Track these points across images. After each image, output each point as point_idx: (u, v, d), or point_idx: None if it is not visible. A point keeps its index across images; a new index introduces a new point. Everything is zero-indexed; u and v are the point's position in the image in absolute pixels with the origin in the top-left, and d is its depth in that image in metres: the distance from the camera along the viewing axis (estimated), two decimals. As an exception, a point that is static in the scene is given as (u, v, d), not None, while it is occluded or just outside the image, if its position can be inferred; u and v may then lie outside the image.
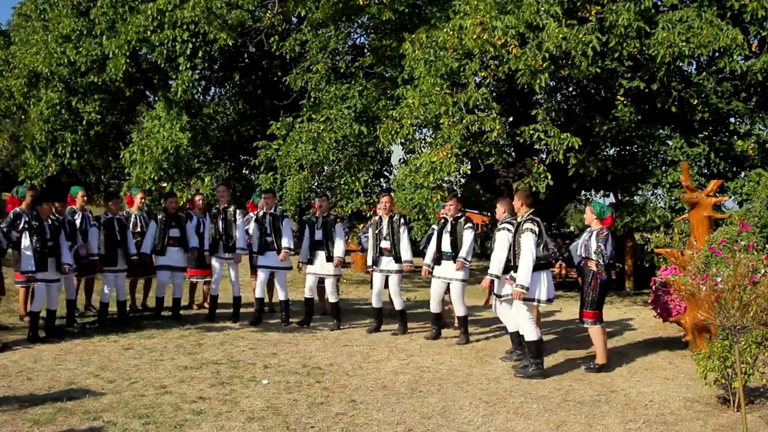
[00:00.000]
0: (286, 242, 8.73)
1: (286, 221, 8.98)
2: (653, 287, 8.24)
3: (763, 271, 5.03)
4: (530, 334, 6.59)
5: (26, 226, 7.35)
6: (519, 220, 6.79)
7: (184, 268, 9.16)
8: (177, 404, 5.31)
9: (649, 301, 8.68)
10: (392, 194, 9.95)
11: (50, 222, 7.59)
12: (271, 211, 8.90)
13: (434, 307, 8.23)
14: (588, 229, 7.15)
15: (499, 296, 7.16)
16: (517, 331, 6.99)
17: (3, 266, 8.03)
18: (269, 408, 5.30)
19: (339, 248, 8.66)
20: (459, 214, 8.09)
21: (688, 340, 7.75)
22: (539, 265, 6.55)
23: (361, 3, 11.95)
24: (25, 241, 7.26)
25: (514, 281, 6.58)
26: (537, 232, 6.53)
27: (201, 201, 9.40)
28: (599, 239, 6.84)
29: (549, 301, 6.69)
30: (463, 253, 7.88)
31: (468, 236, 7.94)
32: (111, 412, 5.06)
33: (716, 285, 5.06)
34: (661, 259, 8.69)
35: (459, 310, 8.07)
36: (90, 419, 4.92)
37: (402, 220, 8.51)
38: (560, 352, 7.71)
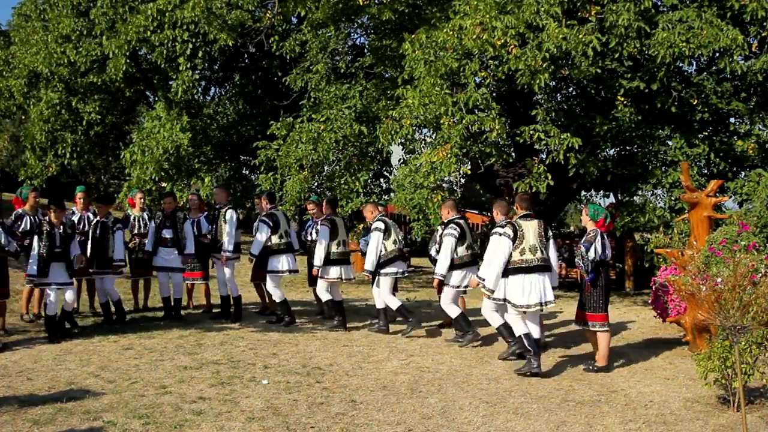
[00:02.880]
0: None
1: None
2: (653, 287, 8.24)
3: (763, 271, 5.03)
4: (516, 329, 6.79)
5: (37, 229, 7.33)
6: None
7: (181, 269, 9.02)
8: (177, 404, 5.32)
9: (649, 301, 8.69)
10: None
11: (62, 227, 7.50)
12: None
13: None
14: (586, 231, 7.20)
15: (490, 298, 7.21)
16: (503, 324, 7.30)
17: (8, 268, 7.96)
18: (269, 408, 5.30)
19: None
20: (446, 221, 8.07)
21: (688, 340, 7.75)
22: (517, 269, 6.62)
23: (361, 3, 11.94)
24: (34, 244, 7.27)
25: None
26: (510, 236, 6.65)
27: (194, 201, 9.36)
28: (584, 242, 6.90)
29: (528, 307, 6.67)
30: (438, 269, 7.85)
31: (443, 246, 7.84)
32: (111, 412, 5.06)
33: (716, 285, 5.07)
34: (661, 259, 8.69)
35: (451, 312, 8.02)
36: (90, 419, 4.92)
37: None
38: (560, 352, 7.71)
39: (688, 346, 7.72)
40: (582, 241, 6.95)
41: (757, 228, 8.48)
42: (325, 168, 12.59)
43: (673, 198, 11.78)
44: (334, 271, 8.61)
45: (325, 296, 8.75)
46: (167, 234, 8.84)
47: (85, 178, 23.64)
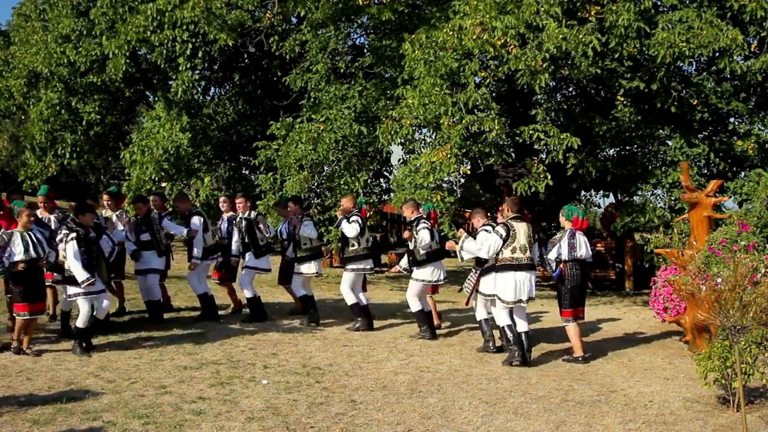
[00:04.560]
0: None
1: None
2: (653, 287, 8.24)
3: (763, 271, 5.03)
4: (499, 320, 7.19)
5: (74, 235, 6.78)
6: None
7: (159, 270, 8.74)
8: (177, 404, 5.32)
9: (649, 301, 8.69)
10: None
11: (92, 232, 7.08)
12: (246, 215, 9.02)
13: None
14: None
15: (479, 293, 7.64)
16: (485, 319, 7.64)
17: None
18: (269, 408, 5.31)
19: None
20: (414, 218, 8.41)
21: (688, 340, 7.75)
22: (508, 266, 6.95)
23: (361, 3, 11.93)
24: (73, 250, 6.71)
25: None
26: (502, 236, 6.96)
27: (155, 201, 9.10)
28: (549, 243, 7.47)
29: (517, 302, 7.02)
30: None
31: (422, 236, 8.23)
32: (111, 412, 5.07)
33: (716, 285, 5.07)
34: (661, 259, 8.69)
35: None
36: (90, 419, 4.92)
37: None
38: (559, 352, 7.71)
39: (688, 346, 7.72)
40: (548, 242, 7.48)
41: (757, 228, 8.48)
42: (325, 168, 12.58)
43: (673, 198, 11.77)
44: (307, 267, 8.83)
45: (300, 291, 8.98)
46: (144, 237, 8.63)
47: (84, 178, 23.65)
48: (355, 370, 6.58)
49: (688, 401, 5.85)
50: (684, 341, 7.95)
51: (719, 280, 5.11)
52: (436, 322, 8.78)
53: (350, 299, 8.62)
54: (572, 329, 7.28)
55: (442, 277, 8.24)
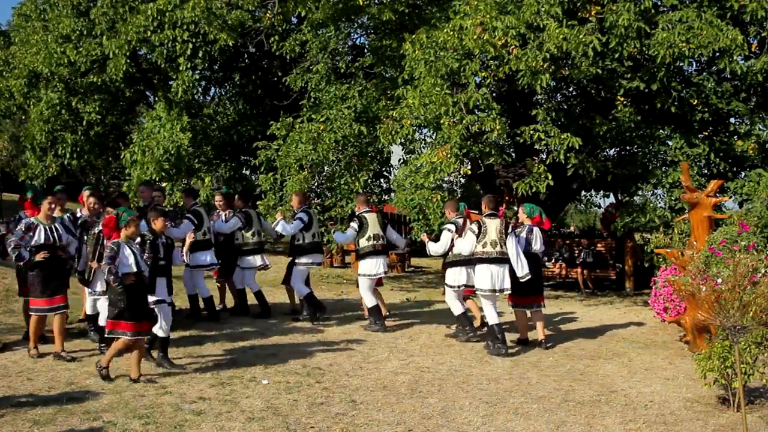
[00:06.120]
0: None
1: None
2: (653, 287, 8.25)
3: (763, 271, 5.04)
4: (489, 319, 7.67)
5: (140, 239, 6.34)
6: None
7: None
8: (177, 404, 5.32)
9: (650, 301, 8.69)
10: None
11: (164, 238, 6.70)
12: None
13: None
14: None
15: (450, 286, 8.19)
16: (463, 313, 8.25)
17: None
18: (269, 408, 5.31)
19: None
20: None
21: (688, 340, 7.76)
22: (481, 260, 7.57)
23: (361, 3, 11.93)
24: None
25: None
26: (475, 232, 7.63)
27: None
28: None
29: (493, 291, 7.58)
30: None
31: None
32: (111, 412, 5.07)
33: (716, 285, 5.07)
34: (661, 259, 8.70)
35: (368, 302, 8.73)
36: (90, 419, 4.93)
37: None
38: (560, 352, 7.71)
39: (688, 346, 7.72)
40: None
41: (757, 228, 8.49)
42: (325, 168, 12.58)
43: (673, 198, 11.78)
44: (250, 260, 9.24)
45: (254, 287, 9.30)
46: None
47: (85, 178, 23.65)
48: (355, 370, 6.58)
49: (689, 401, 5.85)
50: (684, 341, 7.95)
51: (719, 280, 5.12)
52: (384, 312, 9.15)
53: (303, 291, 9.06)
54: (520, 315, 8.03)
55: (382, 270, 8.67)
